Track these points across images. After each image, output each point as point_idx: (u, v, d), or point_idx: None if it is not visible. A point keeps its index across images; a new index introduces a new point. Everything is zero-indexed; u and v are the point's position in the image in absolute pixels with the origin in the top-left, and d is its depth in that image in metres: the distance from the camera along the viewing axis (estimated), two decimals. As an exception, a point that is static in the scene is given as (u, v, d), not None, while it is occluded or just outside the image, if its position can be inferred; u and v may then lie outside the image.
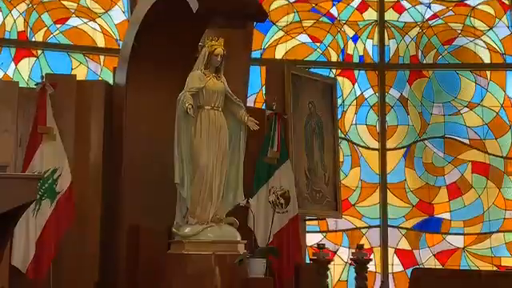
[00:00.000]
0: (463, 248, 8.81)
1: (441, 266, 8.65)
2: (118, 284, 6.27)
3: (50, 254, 6.08)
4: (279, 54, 9.06)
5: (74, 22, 8.43)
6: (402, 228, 8.82)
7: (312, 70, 8.58)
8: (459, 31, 9.29)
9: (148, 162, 6.48)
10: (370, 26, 9.25)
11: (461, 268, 8.59)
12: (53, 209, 6.11)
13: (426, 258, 8.76)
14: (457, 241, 8.83)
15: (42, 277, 6.03)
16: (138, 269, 6.27)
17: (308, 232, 7.86)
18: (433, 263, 8.70)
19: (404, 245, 8.80)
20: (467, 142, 9.03)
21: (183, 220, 6.13)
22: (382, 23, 9.23)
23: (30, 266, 5.98)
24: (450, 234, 8.84)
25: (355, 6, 9.30)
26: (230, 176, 6.23)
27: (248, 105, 7.51)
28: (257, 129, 6.27)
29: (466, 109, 9.12)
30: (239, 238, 6.16)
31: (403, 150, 9.00)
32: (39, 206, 6.03)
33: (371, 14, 9.30)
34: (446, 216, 8.89)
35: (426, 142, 9.03)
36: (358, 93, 9.11)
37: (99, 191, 6.60)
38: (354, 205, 8.78)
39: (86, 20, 8.48)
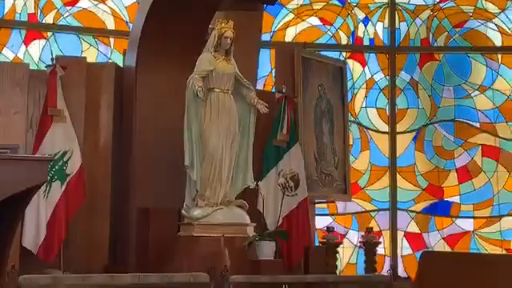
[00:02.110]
0: (473, 231, 8.81)
1: (450, 250, 8.65)
2: (128, 265, 6.31)
3: (61, 235, 6.12)
4: (289, 36, 9.01)
5: (84, 4, 8.41)
6: (411, 211, 8.82)
7: (322, 52, 8.54)
8: (470, 14, 9.21)
9: (158, 144, 6.49)
10: (381, 9, 9.18)
11: (470, 251, 8.59)
12: (63, 191, 6.15)
13: (436, 242, 8.75)
14: (466, 224, 8.82)
15: (53, 258, 6.08)
16: (148, 250, 6.30)
17: (317, 215, 7.87)
18: (442, 247, 8.69)
19: (413, 228, 8.79)
20: (478, 125, 8.99)
21: (193, 202, 6.15)
22: (392, 6, 9.16)
23: (40, 247, 6.03)
24: (460, 217, 8.83)
25: (366, -12, 9.24)
26: (239, 159, 6.24)
27: (257, 88, 7.51)
28: (266, 112, 6.27)
29: (477, 92, 9.07)
30: (248, 221, 6.19)
31: (413, 134, 8.97)
32: (49, 188, 6.07)
33: (382, -3, 9.24)
34: (456, 199, 8.87)
35: (436, 125, 8.99)
36: (368, 76, 9.07)
37: (109, 173, 6.63)
38: (363, 188, 8.77)
39: (96, 2, 8.47)
